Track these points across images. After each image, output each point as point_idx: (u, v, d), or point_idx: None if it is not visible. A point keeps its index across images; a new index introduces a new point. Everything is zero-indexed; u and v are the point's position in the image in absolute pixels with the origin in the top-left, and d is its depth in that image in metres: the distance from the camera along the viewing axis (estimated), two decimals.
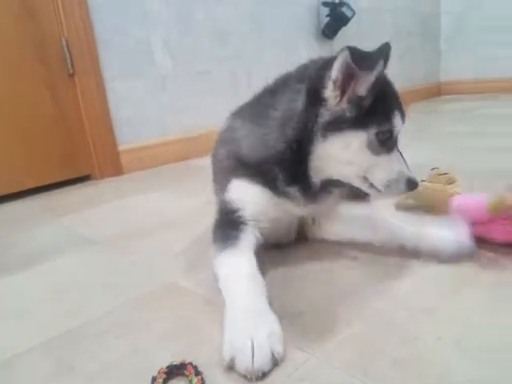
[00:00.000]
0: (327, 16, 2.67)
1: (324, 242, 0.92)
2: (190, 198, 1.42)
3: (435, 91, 4.01)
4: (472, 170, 1.26)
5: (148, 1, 1.94)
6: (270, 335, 0.57)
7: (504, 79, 3.63)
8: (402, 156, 0.78)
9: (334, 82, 0.71)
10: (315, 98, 0.74)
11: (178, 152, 2.08)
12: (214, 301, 0.70)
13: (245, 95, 2.49)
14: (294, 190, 0.79)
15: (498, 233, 0.80)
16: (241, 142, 0.83)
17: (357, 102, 0.72)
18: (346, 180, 0.81)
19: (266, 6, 2.43)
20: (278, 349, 0.56)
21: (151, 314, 0.71)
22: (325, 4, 2.64)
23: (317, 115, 0.73)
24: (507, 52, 3.56)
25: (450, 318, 0.62)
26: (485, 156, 1.55)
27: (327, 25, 2.69)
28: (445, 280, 0.73)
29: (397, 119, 0.75)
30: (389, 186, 0.76)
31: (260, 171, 0.79)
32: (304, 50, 2.71)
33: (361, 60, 0.68)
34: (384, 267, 0.79)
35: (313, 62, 0.82)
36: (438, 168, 1.03)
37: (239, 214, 0.80)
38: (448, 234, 0.78)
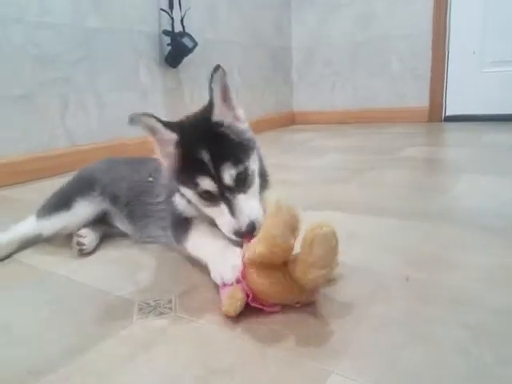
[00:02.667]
0: (169, 45, 2.71)
1: None
2: None
3: (290, 120, 4.31)
4: None
5: None
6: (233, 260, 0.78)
7: (337, 111, 4.10)
8: (232, 206, 0.82)
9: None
10: None
11: None
12: None
13: (81, 119, 2.42)
14: None
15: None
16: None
17: (172, 162, 0.85)
18: None
19: (97, 33, 2.38)
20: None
21: None
22: (165, 33, 2.68)
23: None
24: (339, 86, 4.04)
25: None
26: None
27: (169, 53, 2.73)
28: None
29: (202, 182, 0.81)
30: (229, 235, 0.83)
31: None
32: (147, 77, 2.71)
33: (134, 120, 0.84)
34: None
35: None
36: None
37: (185, 215, 0.96)
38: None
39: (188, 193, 0.87)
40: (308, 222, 0.73)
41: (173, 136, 0.82)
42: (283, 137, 3.57)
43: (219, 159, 0.81)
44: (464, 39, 3.57)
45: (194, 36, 2.74)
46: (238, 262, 0.78)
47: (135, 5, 2.58)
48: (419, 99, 3.79)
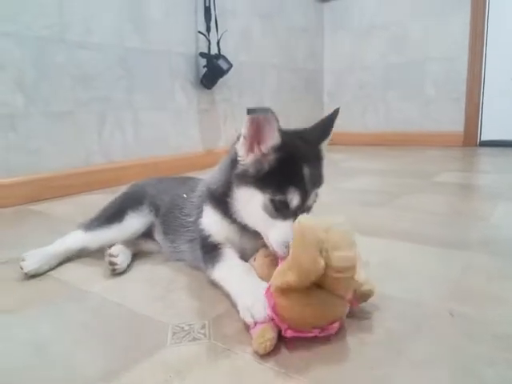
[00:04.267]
0: (204, 67, 2.76)
1: None
2: None
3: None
4: None
5: None
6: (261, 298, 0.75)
7: (369, 133, 4.07)
8: None
9: (244, 137, 0.83)
10: (237, 155, 0.87)
11: (24, 195, 1.97)
12: None
13: (118, 137, 2.49)
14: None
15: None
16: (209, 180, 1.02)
17: (260, 162, 0.83)
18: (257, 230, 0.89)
19: (136, 53, 2.46)
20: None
21: None
22: (202, 55, 2.74)
23: (234, 168, 0.87)
24: (372, 109, 4.02)
25: None
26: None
27: (204, 75, 2.78)
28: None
29: (291, 195, 0.82)
30: (279, 248, 0.82)
31: (220, 202, 0.94)
32: (182, 97, 2.77)
33: (256, 109, 0.79)
34: None
35: None
36: None
37: (212, 239, 0.96)
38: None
39: (255, 196, 0.85)
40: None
41: (277, 140, 0.82)
42: None
43: (313, 181, 0.84)
44: (501, 64, 3.51)
45: (228, 58, 2.79)
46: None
47: (174, 27, 2.66)
48: (454, 123, 3.72)
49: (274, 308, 0.73)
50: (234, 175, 0.88)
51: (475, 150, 3.56)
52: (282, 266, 0.75)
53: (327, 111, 3.65)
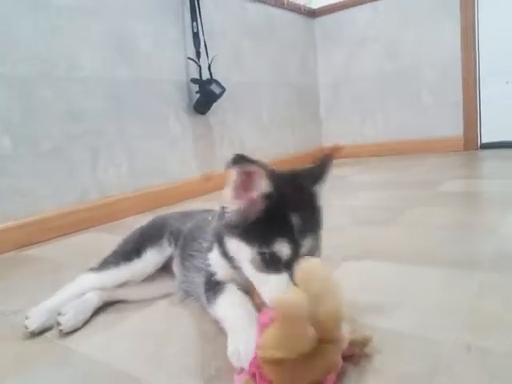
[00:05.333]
0: (197, 92, 2.73)
1: None
2: None
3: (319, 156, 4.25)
4: None
5: None
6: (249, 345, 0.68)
7: (368, 144, 4.04)
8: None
9: (231, 184, 0.73)
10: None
11: (18, 239, 1.91)
12: None
13: (112, 171, 2.43)
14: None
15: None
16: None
17: (247, 211, 0.74)
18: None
19: (126, 85, 2.43)
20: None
21: None
22: (193, 81, 2.71)
23: (223, 217, 0.81)
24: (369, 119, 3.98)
25: None
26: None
27: (198, 101, 2.75)
28: None
29: (280, 246, 0.72)
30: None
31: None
32: (176, 125, 2.73)
33: (237, 160, 0.69)
34: None
35: None
36: None
37: (216, 278, 0.91)
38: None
39: (243, 249, 0.77)
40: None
41: (269, 188, 0.73)
42: None
43: (305, 229, 0.74)
44: (495, 66, 3.47)
45: (220, 81, 2.76)
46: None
47: (164, 56, 2.63)
48: (453, 128, 3.66)
49: (261, 374, 0.65)
50: (224, 225, 0.81)
51: (477, 153, 3.50)
52: (268, 333, 0.65)
53: (325, 125, 3.66)
